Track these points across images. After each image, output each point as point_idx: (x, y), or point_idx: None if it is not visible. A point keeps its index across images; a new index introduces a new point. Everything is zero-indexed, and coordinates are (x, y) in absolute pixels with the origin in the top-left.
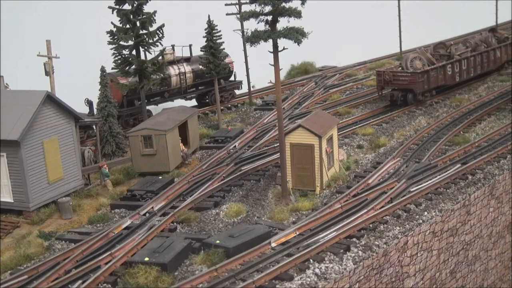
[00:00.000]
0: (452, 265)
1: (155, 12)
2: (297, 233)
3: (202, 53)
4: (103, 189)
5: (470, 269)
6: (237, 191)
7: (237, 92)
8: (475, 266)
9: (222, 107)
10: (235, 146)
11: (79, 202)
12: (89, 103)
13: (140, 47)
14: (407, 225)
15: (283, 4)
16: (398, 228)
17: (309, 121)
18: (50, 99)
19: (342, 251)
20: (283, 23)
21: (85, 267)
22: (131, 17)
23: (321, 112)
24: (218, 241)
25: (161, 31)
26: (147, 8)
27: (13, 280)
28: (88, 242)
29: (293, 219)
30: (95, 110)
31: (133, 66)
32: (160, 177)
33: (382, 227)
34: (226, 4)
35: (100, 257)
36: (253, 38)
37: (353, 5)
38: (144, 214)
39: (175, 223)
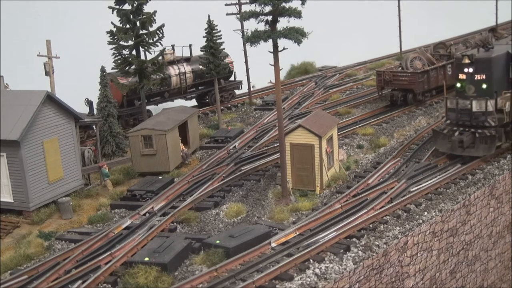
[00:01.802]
0: (452, 265)
1: (155, 12)
2: (297, 233)
3: (202, 53)
4: (103, 189)
5: (470, 269)
6: (237, 191)
7: (237, 92)
8: (475, 266)
9: (222, 107)
10: (235, 146)
11: (79, 202)
12: (89, 103)
13: (140, 47)
14: (407, 225)
15: (283, 4)
16: (398, 228)
17: (309, 121)
18: (50, 99)
19: (342, 251)
20: (283, 23)
21: (85, 267)
22: (131, 17)
23: (321, 112)
24: (218, 241)
25: (161, 31)
26: (147, 8)
27: (13, 280)
28: (88, 242)
29: (293, 219)
30: (95, 110)
31: (133, 66)
32: (160, 177)
33: (382, 227)
34: (226, 4)
35: (100, 257)
36: (253, 38)
37: (353, 5)
38: (144, 214)
39: (175, 223)
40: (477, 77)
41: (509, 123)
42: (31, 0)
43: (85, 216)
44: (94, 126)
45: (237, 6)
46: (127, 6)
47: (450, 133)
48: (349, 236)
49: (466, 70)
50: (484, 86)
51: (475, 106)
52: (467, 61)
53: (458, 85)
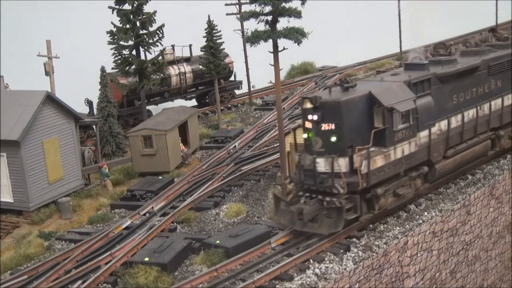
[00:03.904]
0: (452, 265)
1: (155, 12)
2: None
3: (202, 53)
4: (103, 189)
5: (470, 269)
6: (237, 191)
7: (237, 92)
8: (475, 266)
9: (222, 107)
10: (235, 146)
11: (79, 202)
12: (89, 103)
13: (140, 47)
14: (407, 225)
15: (283, 4)
16: (398, 228)
17: None
18: (50, 99)
19: (342, 251)
20: (283, 23)
21: (85, 267)
22: (131, 17)
23: None
24: (218, 241)
25: (161, 31)
26: (147, 8)
27: (13, 280)
28: (88, 242)
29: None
30: (95, 110)
31: (133, 66)
32: (160, 177)
33: (382, 227)
34: (226, 4)
35: (100, 257)
36: (253, 38)
37: (353, 5)
38: (144, 214)
39: (175, 223)
40: (325, 126)
41: (370, 189)
42: (31, 0)
43: (85, 216)
44: (94, 126)
45: (237, 6)
46: (127, 6)
47: (293, 201)
48: (349, 236)
49: (310, 117)
50: (334, 139)
51: (320, 165)
52: (309, 105)
53: (305, 136)
